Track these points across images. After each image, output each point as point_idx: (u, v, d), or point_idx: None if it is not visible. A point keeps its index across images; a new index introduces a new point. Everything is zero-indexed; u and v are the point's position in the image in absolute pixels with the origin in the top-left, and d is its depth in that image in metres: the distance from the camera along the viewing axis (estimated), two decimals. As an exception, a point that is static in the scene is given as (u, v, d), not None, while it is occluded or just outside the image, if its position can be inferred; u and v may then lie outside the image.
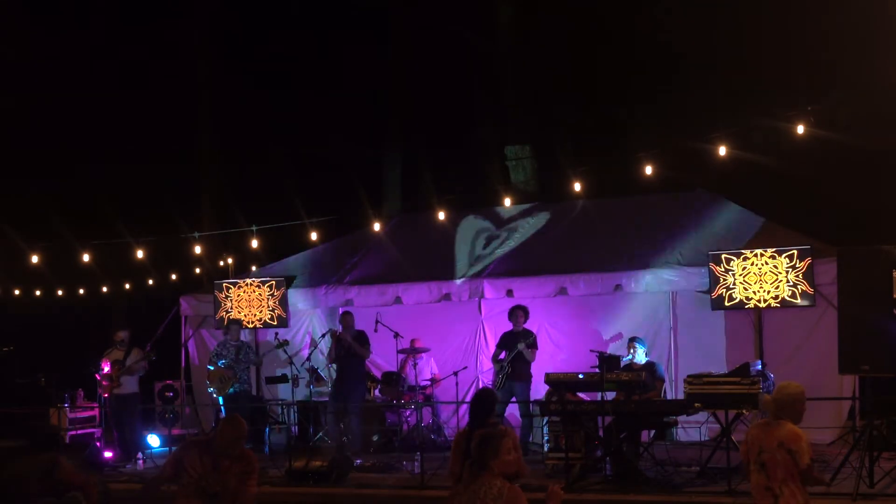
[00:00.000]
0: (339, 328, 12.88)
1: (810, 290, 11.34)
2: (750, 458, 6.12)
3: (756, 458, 6.06)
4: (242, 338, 13.73)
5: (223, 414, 13.35)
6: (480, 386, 13.31)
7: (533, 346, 12.10)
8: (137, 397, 13.12)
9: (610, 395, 10.37)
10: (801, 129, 10.78)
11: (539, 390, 11.62)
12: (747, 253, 11.65)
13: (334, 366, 12.92)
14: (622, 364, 11.02)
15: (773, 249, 11.56)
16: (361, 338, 12.70)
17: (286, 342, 13.44)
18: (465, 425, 7.35)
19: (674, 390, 12.02)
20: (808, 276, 11.34)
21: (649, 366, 11.17)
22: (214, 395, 13.34)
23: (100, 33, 21.99)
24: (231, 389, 13.13)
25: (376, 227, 14.40)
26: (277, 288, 14.19)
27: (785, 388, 6.21)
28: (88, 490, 5.17)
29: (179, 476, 6.77)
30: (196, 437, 7.53)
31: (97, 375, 13.21)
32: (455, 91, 21.00)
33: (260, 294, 14.25)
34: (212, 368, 13.24)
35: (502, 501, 5.04)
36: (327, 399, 13.06)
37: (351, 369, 12.61)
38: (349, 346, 12.57)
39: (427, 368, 13.43)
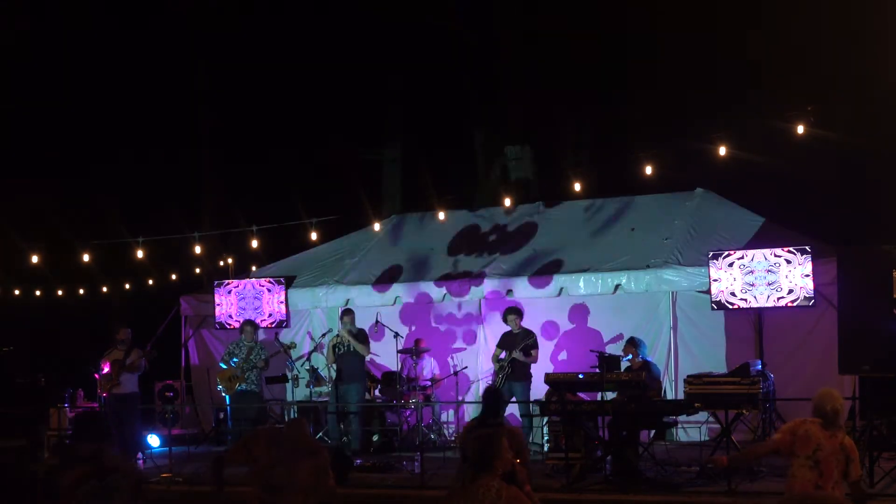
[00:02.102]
0: (340, 326, 12.87)
1: (810, 290, 11.34)
2: (800, 453, 6.14)
3: (811, 454, 6.10)
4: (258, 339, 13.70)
5: (229, 413, 13.41)
6: (480, 386, 13.32)
7: (534, 346, 12.10)
8: (137, 397, 13.11)
9: (610, 395, 10.37)
10: (801, 129, 10.79)
11: (539, 390, 11.61)
12: (747, 253, 11.65)
13: (334, 365, 12.91)
14: (622, 364, 11.01)
15: (773, 249, 11.55)
16: (361, 335, 12.69)
17: (293, 345, 13.42)
18: (472, 420, 7.32)
19: (674, 390, 12.02)
20: (808, 276, 11.34)
21: (645, 365, 11.14)
22: (223, 394, 13.36)
23: (100, 32, 21.99)
24: (239, 388, 13.15)
25: (376, 227, 14.39)
26: (277, 288, 14.19)
27: (839, 399, 6.34)
28: (129, 473, 5.45)
29: (247, 463, 6.75)
30: (267, 427, 7.58)
31: (96, 375, 13.20)
32: (455, 91, 20.99)
33: (260, 294, 14.25)
34: (224, 367, 13.24)
35: (502, 502, 5.00)
36: (327, 399, 13.06)
37: (350, 369, 12.60)
38: (348, 342, 12.56)
39: (427, 368, 13.43)
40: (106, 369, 12.88)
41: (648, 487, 9.42)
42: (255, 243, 14.67)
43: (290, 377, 13.34)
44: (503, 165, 18.53)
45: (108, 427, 5.83)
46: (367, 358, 13.07)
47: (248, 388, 13.14)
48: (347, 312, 12.95)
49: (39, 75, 21.64)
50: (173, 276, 17.61)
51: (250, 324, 13.55)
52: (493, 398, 7.81)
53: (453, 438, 12.98)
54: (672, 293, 12.49)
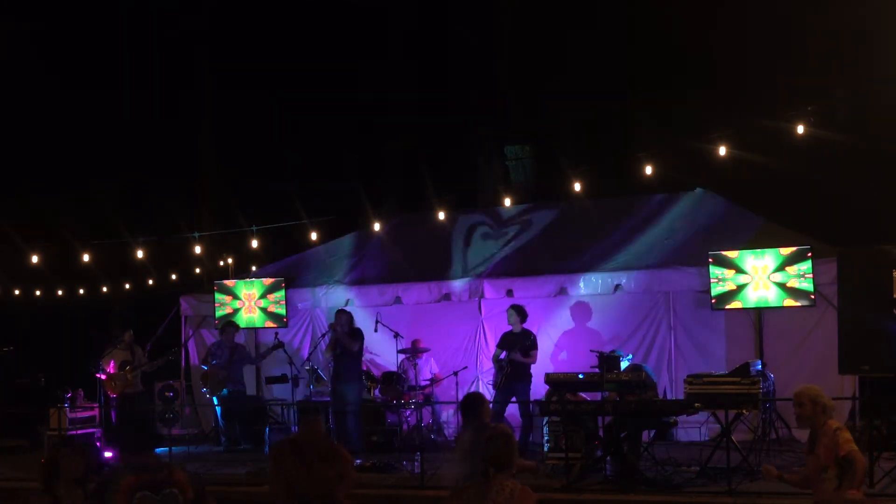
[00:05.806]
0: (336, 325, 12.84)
1: (810, 290, 11.33)
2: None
3: None
4: (238, 339, 13.74)
5: (219, 414, 13.43)
6: (480, 386, 13.32)
7: (533, 347, 12.08)
8: (146, 395, 13.26)
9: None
10: (801, 129, 10.79)
11: (539, 390, 11.61)
12: (747, 253, 11.64)
13: (332, 365, 12.90)
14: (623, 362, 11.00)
15: (773, 249, 11.55)
16: (353, 333, 12.61)
17: (281, 344, 13.45)
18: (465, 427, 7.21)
19: (674, 390, 12.02)
20: (808, 276, 11.33)
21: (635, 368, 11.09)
22: (208, 395, 13.40)
23: (100, 34, 22.00)
24: (225, 390, 13.18)
25: (376, 227, 14.40)
26: (277, 288, 14.18)
27: None
28: (185, 487, 5.10)
29: (282, 475, 6.72)
30: (284, 439, 7.50)
31: (101, 376, 13.23)
32: (455, 90, 21.01)
33: (259, 294, 14.24)
34: (205, 368, 13.30)
35: (514, 502, 4.98)
36: (327, 399, 13.06)
37: (346, 368, 12.54)
38: (340, 337, 12.50)
39: (427, 368, 13.43)
40: (110, 370, 12.95)
41: (648, 487, 9.41)
42: (255, 243, 14.67)
43: (290, 377, 13.34)
44: (503, 165, 18.53)
45: (153, 433, 5.30)
46: (367, 357, 13.06)
47: (235, 388, 13.18)
48: (340, 311, 12.91)
49: (39, 75, 21.64)
50: (173, 276, 17.61)
51: (231, 324, 13.58)
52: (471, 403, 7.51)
53: (453, 438, 12.97)
54: (671, 293, 12.49)
